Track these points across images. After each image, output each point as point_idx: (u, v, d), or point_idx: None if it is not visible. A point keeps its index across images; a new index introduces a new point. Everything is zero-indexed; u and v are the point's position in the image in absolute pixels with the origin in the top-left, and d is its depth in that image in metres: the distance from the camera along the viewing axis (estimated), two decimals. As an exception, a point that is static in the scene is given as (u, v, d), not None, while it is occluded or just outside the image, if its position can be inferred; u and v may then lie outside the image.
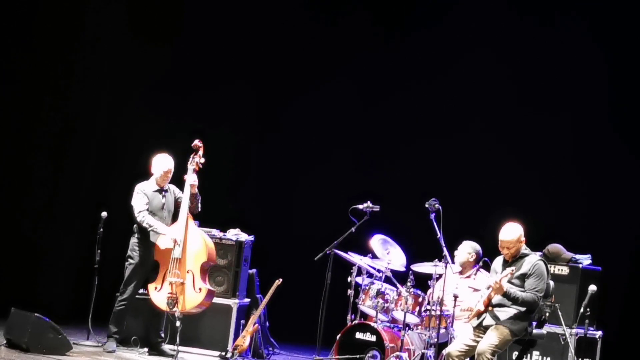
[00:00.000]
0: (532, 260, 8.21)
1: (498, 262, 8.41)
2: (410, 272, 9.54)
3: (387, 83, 12.74)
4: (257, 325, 9.74)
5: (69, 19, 12.24)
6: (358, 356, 9.25)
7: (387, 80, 12.74)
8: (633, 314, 11.54)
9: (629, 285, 11.54)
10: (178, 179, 9.61)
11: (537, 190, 12.02)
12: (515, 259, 8.25)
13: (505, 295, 8.06)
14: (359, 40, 12.75)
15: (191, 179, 9.42)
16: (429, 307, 9.24)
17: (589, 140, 12.01)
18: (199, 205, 9.52)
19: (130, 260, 9.51)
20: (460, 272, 9.64)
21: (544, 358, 9.68)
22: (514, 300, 8.07)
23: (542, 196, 11.94)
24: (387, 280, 9.70)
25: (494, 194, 11.89)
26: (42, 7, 12.16)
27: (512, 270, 8.11)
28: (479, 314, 8.25)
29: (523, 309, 8.08)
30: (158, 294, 9.32)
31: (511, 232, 8.23)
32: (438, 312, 9.06)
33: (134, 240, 9.53)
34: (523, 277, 8.16)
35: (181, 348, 9.33)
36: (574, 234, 11.07)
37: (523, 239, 8.26)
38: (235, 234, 10.32)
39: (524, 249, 8.29)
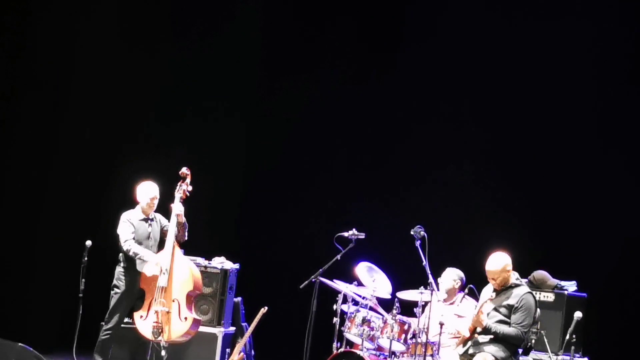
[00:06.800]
0: (521, 292, 8.20)
1: (487, 290, 8.41)
2: (396, 299, 9.54)
3: (372, 112, 12.73)
4: (242, 353, 9.70)
5: (56, 42, 12.30)
6: (344, 384, 9.23)
7: (372, 109, 12.72)
8: (618, 341, 11.53)
9: (615, 312, 11.53)
10: (165, 208, 9.61)
11: (522, 216, 12.00)
12: (504, 289, 8.25)
13: (485, 331, 8.06)
14: (343, 73, 12.74)
15: (177, 208, 9.41)
16: (416, 328, 9.21)
17: (575, 164, 11.99)
18: (186, 233, 9.51)
19: (116, 290, 9.48)
20: (445, 300, 9.63)
21: (530, 385, 9.67)
22: (495, 335, 8.07)
23: (528, 222, 11.93)
24: (373, 308, 9.68)
25: (479, 220, 11.88)
26: (33, 30, 12.21)
27: (492, 297, 8.11)
28: (464, 341, 8.27)
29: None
30: (143, 323, 9.29)
31: (496, 262, 8.24)
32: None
33: (119, 269, 9.51)
34: (510, 308, 8.16)
35: (166, 377, 9.31)
36: (559, 260, 11.08)
37: (509, 268, 8.26)
38: (220, 262, 10.32)
39: (515, 279, 8.28)
